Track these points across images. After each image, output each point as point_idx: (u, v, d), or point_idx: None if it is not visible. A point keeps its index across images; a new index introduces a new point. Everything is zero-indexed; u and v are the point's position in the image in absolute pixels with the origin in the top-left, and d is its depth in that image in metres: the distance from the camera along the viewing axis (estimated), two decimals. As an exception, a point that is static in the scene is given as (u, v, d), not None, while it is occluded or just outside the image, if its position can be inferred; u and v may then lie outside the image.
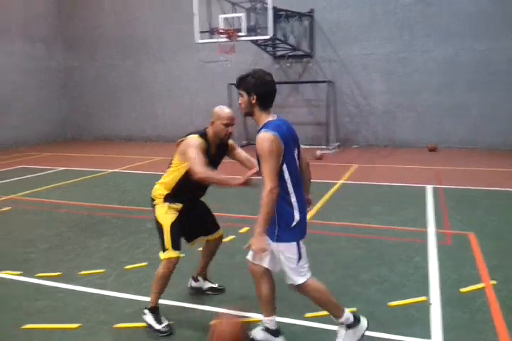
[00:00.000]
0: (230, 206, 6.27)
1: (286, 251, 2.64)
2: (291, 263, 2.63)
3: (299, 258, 2.64)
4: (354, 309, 3.25)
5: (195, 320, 3.25)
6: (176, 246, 3.07)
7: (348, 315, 2.74)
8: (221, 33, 11.00)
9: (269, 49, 14.00)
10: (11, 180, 8.79)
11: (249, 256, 2.82)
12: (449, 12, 12.62)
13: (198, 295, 3.62)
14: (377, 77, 13.66)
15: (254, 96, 2.59)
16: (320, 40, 14.12)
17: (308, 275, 2.70)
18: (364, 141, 13.98)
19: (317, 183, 7.92)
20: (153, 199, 3.21)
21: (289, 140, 2.60)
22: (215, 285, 3.66)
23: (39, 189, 7.83)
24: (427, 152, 12.03)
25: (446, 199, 6.64)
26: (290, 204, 2.57)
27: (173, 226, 3.08)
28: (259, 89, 2.58)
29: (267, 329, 2.84)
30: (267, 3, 11.00)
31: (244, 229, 5.17)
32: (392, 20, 13.20)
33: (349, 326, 2.73)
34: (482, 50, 12.44)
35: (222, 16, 11.13)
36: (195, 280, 3.64)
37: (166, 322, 3.07)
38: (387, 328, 3.02)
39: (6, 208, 6.48)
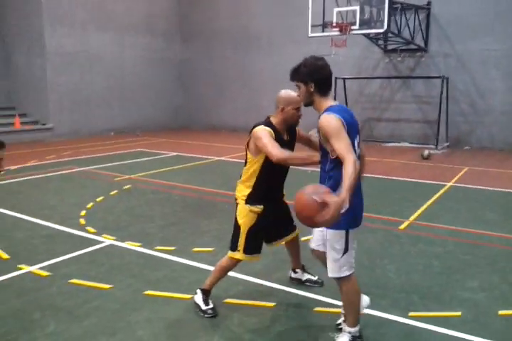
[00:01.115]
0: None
1: (333, 240, 2.54)
2: (336, 253, 2.55)
3: (346, 250, 2.53)
4: (459, 313, 3.19)
5: (298, 306, 3.41)
6: (248, 250, 3.14)
7: (359, 329, 2.73)
8: (334, 27, 10.96)
9: (381, 42, 13.63)
10: (131, 161, 9.74)
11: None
12: None
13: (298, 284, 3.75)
14: (497, 75, 12.62)
15: (312, 84, 2.59)
16: (436, 34, 13.39)
17: (352, 270, 2.62)
18: (477, 143, 13.04)
19: (424, 184, 7.68)
20: (235, 198, 3.22)
21: (351, 126, 2.52)
22: (315, 278, 3.71)
23: (155, 171, 8.59)
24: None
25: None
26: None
27: (250, 230, 3.11)
28: (315, 76, 2.58)
29: (354, 338, 2.74)
30: (382, -4, 10.72)
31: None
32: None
33: (354, 338, 2.71)
34: None
35: (336, 9, 11.08)
36: (294, 271, 3.74)
37: (211, 305, 3.25)
38: (494, 335, 2.92)
39: (127, 186, 7.22)
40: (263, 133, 2.95)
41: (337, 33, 11.06)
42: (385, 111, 14.26)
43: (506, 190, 7.23)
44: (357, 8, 11.03)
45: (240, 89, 17.02)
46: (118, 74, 15.61)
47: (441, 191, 7.11)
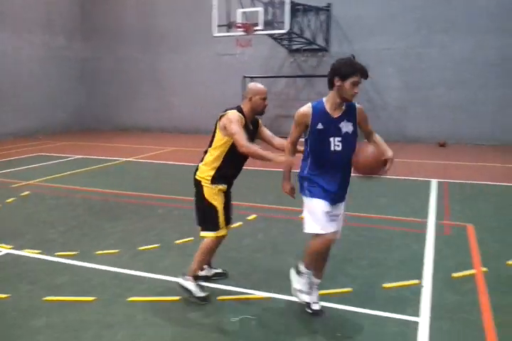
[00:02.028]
0: (239, 194, 6.51)
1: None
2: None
3: None
4: (350, 289, 3.49)
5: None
6: (226, 225, 3.40)
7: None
8: (239, 27, 11.20)
9: (285, 42, 14.14)
10: (30, 166, 9.17)
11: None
12: (468, 7, 12.60)
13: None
14: (392, 73, 13.71)
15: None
16: (336, 35, 14.20)
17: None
18: (376, 136, 14.06)
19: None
20: (198, 181, 3.34)
21: None
22: (220, 270, 3.83)
23: (56, 175, 8.18)
24: (437, 147, 12.11)
25: (450, 192, 6.80)
26: None
27: (224, 207, 3.36)
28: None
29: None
30: (284, -2, 11.15)
31: (252, 217, 5.42)
32: (410, 15, 13.21)
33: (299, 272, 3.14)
34: (499, 46, 12.41)
35: (240, 10, 11.34)
36: (202, 269, 3.68)
37: (206, 293, 3.39)
38: (380, 307, 3.25)
39: (25, 193, 6.81)
40: (236, 117, 3.17)
41: (242, 33, 11.32)
42: (292, 109, 14.77)
43: (398, 177, 7.93)
44: (260, 9, 11.39)
45: (150, 88, 16.71)
46: (14, 73, 14.54)
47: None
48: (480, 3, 12.43)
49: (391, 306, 3.26)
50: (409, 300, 3.34)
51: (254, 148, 3.07)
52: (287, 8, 11.08)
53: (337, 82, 2.89)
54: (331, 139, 2.95)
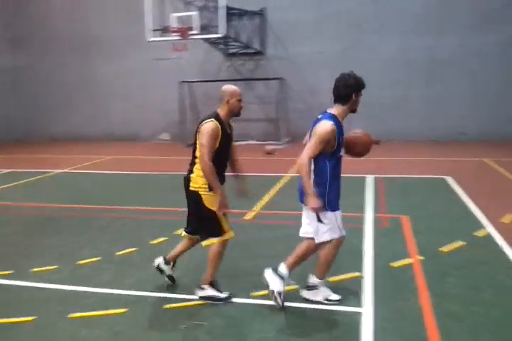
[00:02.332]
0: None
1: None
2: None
3: None
4: (295, 287, 3.55)
5: (149, 307, 3.43)
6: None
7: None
8: (173, 32, 11.12)
9: (221, 46, 14.20)
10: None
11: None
12: (396, 10, 13.28)
13: (152, 283, 3.77)
14: (325, 75, 14.13)
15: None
16: (271, 38, 14.45)
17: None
18: (315, 136, 14.45)
19: (268, 177, 8.27)
20: (195, 191, 3.32)
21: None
22: (172, 275, 3.73)
23: (-14, 191, 7.68)
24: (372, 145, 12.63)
25: (385, 187, 7.13)
26: None
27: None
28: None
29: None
30: (219, 2, 11.20)
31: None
32: (342, 19, 13.70)
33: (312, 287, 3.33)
34: (426, 46, 13.18)
35: (174, 15, 11.26)
36: (169, 263, 3.68)
37: (227, 293, 3.45)
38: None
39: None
40: (208, 130, 3.23)
41: (177, 37, 11.24)
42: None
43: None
44: (195, 13, 11.37)
45: (85, 95, 16.17)
46: None
47: (283, 181, 7.76)
48: (407, 6, 13.12)
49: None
50: (352, 292, 3.46)
51: (212, 170, 3.20)
52: (222, 12, 11.15)
53: (355, 97, 3.13)
54: (342, 149, 3.25)
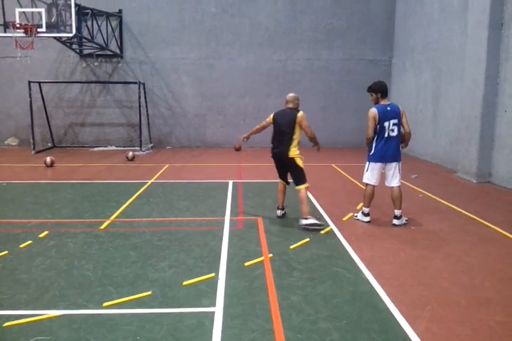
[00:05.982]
0: (25, 210, 5.92)
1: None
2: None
3: (366, 170, 5.63)
4: (150, 293, 3.52)
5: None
6: None
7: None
8: (18, 28, 10.17)
9: (75, 47, 13.41)
10: None
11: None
12: (251, 24, 14.02)
13: None
14: (187, 81, 14.29)
15: (379, 94, 5.41)
16: (129, 41, 14.10)
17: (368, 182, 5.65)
18: (177, 142, 14.47)
19: (128, 184, 8.02)
20: (293, 157, 5.37)
21: (383, 114, 5.29)
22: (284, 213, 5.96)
23: None
24: (233, 151, 13.12)
25: (243, 191, 7.47)
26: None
27: None
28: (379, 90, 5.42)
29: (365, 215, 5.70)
30: (69, 0, 10.57)
31: (44, 234, 4.98)
32: (200, 28, 14.01)
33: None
34: (280, 59, 14.16)
35: (18, 10, 10.36)
36: (283, 208, 5.88)
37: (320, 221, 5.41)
38: (180, 304, 3.38)
39: None
40: (305, 116, 5.48)
41: (21, 34, 10.28)
42: (88, 116, 14.11)
43: (199, 181, 8.32)
44: (43, 10, 10.56)
45: None
46: None
47: (143, 188, 7.61)
48: (261, 20, 13.97)
49: (190, 301, 3.42)
50: (206, 293, 3.55)
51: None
52: (73, 10, 10.55)
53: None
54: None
